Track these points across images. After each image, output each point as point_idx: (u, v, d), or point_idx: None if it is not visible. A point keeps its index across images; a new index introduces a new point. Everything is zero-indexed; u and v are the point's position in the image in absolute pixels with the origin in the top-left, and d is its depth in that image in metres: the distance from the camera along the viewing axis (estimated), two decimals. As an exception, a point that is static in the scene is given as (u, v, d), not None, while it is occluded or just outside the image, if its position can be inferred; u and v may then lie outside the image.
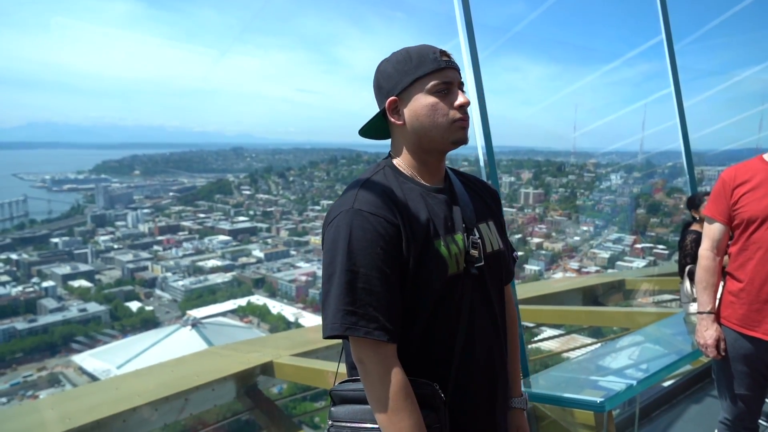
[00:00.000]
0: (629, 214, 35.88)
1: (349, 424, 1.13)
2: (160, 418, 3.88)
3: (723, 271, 2.23)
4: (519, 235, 37.27)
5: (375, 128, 1.27)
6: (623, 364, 3.27)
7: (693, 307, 3.41)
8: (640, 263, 31.01)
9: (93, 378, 26.66)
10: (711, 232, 2.17)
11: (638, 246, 33.25)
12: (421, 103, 1.16)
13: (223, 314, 36.52)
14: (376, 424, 1.09)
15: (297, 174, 49.83)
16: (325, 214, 1.20)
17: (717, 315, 2.19)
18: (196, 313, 35.49)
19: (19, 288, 33.31)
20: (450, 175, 1.30)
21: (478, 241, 1.20)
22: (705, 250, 2.18)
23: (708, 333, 2.15)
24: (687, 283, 3.54)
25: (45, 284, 33.87)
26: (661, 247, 30.88)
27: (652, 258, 31.27)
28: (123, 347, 30.60)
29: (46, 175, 48.45)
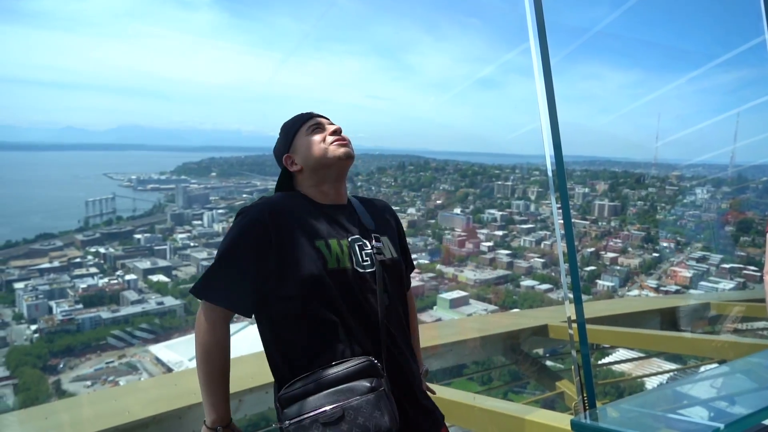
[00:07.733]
0: (716, 232, 33.30)
1: (307, 415, 1.26)
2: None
3: None
4: (591, 249, 35.55)
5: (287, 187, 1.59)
6: (708, 400, 2.79)
7: None
8: (726, 285, 28.75)
9: (167, 368, 28.02)
10: None
11: (725, 266, 30.79)
12: (304, 144, 1.53)
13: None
14: (331, 404, 1.26)
15: (365, 179, 50.28)
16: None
17: None
18: (264, 311, 36.51)
19: (105, 280, 35.75)
20: (351, 199, 1.60)
21: (371, 249, 1.48)
22: None
23: None
24: None
25: (128, 277, 36.14)
26: (752, 268, 28.33)
27: (741, 280, 28.87)
28: (195, 341, 32.04)
29: (132, 175, 51.84)
